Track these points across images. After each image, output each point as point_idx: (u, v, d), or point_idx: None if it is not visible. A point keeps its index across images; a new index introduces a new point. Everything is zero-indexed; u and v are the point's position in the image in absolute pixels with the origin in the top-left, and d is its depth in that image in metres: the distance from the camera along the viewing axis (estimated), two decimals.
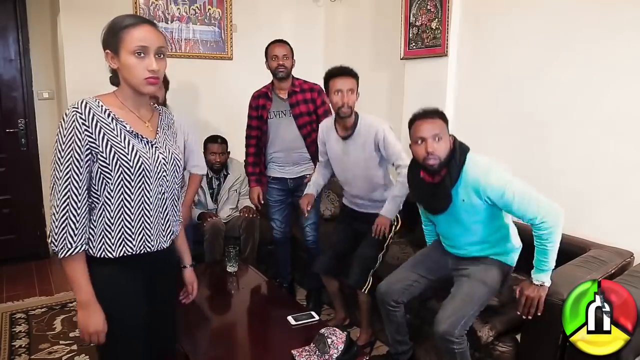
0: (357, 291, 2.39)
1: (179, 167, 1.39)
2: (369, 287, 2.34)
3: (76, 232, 1.21)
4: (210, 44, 3.52)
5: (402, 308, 2.07)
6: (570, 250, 2.12)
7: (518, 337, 1.89)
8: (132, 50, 1.22)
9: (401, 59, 3.09)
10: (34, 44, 3.60)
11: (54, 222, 1.20)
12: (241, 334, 1.97)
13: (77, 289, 1.24)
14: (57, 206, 1.20)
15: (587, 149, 2.23)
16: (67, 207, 1.20)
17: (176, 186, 1.41)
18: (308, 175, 2.74)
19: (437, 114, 1.82)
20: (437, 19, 2.81)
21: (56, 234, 1.20)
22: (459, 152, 1.79)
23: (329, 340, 1.67)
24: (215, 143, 3.10)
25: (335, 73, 2.24)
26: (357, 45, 3.63)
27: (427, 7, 2.86)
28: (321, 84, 2.72)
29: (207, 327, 2.04)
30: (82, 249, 1.23)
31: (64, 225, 1.20)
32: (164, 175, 1.33)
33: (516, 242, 1.96)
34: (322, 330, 1.72)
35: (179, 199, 1.47)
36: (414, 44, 2.99)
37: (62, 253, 1.20)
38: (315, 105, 2.72)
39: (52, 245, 1.22)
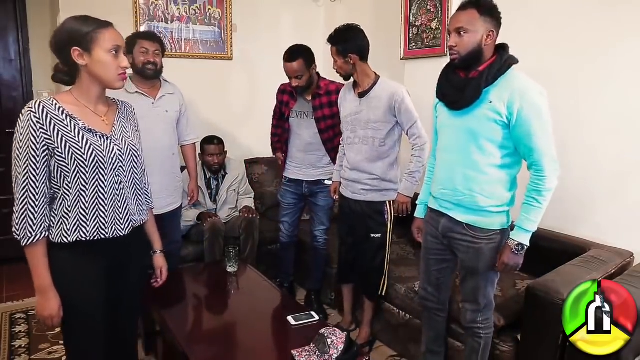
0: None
1: (136, 157, 1.50)
2: (384, 289, 2.39)
3: (35, 221, 1.31)
4: (210, 44, 3.51)
5: (446, 312, 1.99)
6: (570, 250, 2.13)
7: (518, 337, 1.89)
8: (108, 49, 1.34)
9: (401, 59, 3.09)
10: (34, 44, 3.60)
11: (15, 213, 1.31)
12: (241, 334, 1.96)
13: (36, 275, 1.34)
14: (17, 199, 1.31)
15: (587, 149, 2.23)
16: (26, 200, 1.30)
17: (136, 175, 1.51)
18: (325, 180, 2.66)
19: (472, 4, 1.62)
20: (437, 19, 2.81)
21: (17, 224, 1.31)
22: (505, 56, 1.65)
23: (329, 340, 1.67)
24: (212, 144, 3.06)
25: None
26: None
27: (427, 7, 2.87)
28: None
29: (207, 327, 2.04)
30: (42, 236, 1.33)
31: (23, 216, 1.30)
32: (120, 166, 1.44)
33: (513, 195, 1.76)
34: (322, 330, 1.72)
35: (143, 188, 1.58)
36: (414, 44, 3.00)
37: (23, 241, 1.31)
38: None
39: (14, 234, 1.32)
